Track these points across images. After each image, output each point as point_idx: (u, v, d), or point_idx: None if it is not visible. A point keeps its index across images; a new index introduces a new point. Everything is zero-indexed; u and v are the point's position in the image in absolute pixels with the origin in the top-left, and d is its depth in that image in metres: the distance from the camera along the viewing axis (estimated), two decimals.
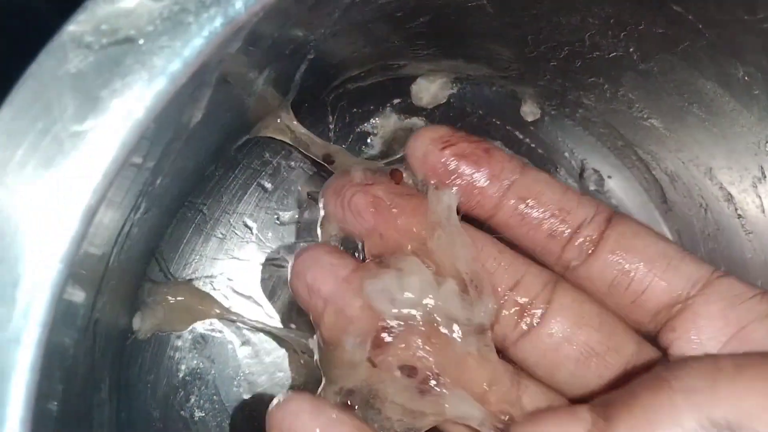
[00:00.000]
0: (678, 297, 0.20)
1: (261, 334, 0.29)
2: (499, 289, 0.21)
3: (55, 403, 0.17)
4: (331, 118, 0.30)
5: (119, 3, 0.15)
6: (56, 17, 0.26)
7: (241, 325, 0.29)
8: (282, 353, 0.30)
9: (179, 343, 0.28)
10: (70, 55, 0.15)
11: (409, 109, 0.32)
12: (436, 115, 0.32)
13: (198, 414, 0.28)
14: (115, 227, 0.18)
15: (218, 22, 0.16)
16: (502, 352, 0.21)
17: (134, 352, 0.27)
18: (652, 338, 0.21)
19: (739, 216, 0.30)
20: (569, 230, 0.21)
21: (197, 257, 0.29)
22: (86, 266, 0.16)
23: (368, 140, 0.31)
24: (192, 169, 0.25)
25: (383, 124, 0.31)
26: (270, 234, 0.30)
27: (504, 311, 0.21)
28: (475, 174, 0.21)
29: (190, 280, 0.28)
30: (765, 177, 0.27)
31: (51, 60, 0.15)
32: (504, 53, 0.29)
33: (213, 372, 0.29)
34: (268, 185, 0.30)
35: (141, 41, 0.15)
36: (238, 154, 0.28)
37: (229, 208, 0.29)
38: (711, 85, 0.26)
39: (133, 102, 0.15)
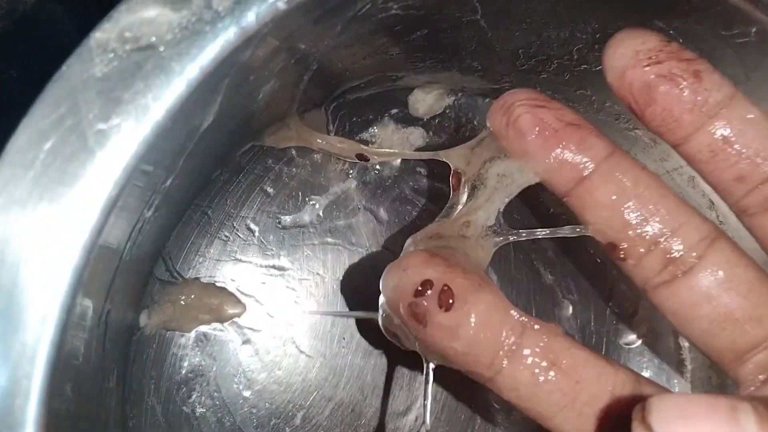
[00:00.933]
0: None
1: (261, 334, 0.30)
2: (653, 233, 0.20)
3: (71, 385, 0.18)
4: (331, 126, 0.32)
5: (142, 13, 0.16)
6: (74, 31, 0.27)
7: (241, 324, 0.30)
8: (281, 352, 0.31)
9: (182, 340, 0.29)
10: (96, 59, 0.16)
11: (406, 119, 0.33)
12: (432, 125, 0.33)
13: (199, 410, 0.29)
14: (129, 222, 0.19)
15: (232, 31, 0.17)
16: (643, 293, 0.21)
17: (139, 348, 0.28)
18: None
19: (721, 222, 0.31)
20: (760, 178, 0.19)
21: (201, 258, 0.30)
22: (104, 257, 0.17)
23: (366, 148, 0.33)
24: (199, 172, 0.27)
25: (381, 133, 0.33)
26: (272, 237, 0.31)
27: (652, 256, 0.20)
28: (676, 100, 0.19)
29: (196, 279, 0.29)
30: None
31: (78, 64, 0.16)
32: (497, 66, 0.30)
33: (214, 369, 0.30)
34: (270, 190, 0.31)
35: (161, 48, 0.16)
36: (242, 159, 0.30)
37: (233, 212, 0.30)
38: None
39: (153, 103, 0.16)
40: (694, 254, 0.20)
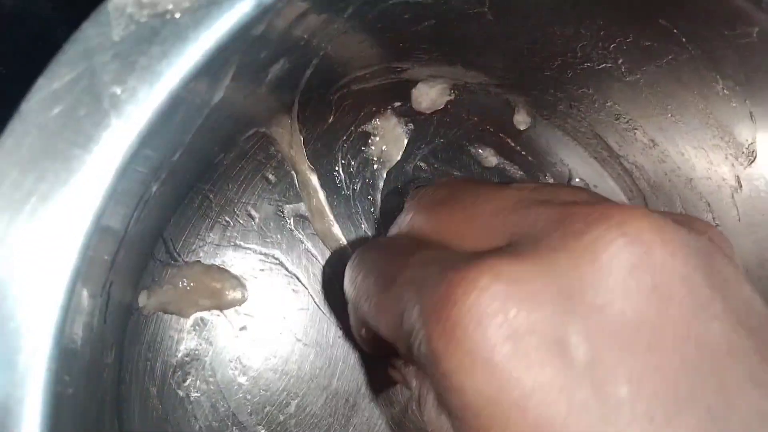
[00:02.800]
0: None
1: (258, 321, 0.30)
2: None
3: (72, 362, 0.18)
4: (332, 117, 0.32)
5: None
6: (63, 25, 0.27)
7: (238, 310, 0.30)
8: (277, 340, 0.31)
9: (180, 323, 0.29)
10: (113, 23, 0.16)
11: (409, 112, 0.33)
12: (434, 119, 0.34)
13: (194, 394, 0.29)
14: (138, 192, 0.19)
15: (248, 3, 0.17)
16: None
17: (137, 329, 0.28)
18: None
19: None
20: None
21: (201, 242, 0.30)
22: (112, 226, 0.18)
23: (368, 140, 0.33)
24: (204, 154, 0.27)
25: (384, 126, 0.33)
26: (272, 224, 0.31)
27: None
28: None
29: (197, 262, 0.29)
30: (741, 187, 0.29)
31: (95, 27, 0.16)
32: (500, 62, 0.30)
33: (210, 354, 0.29)
34: (272, 177, 0.31)
35: (178, 15, 0.16)
36: (245, 145, 0.30)
37: (234, 197, 0.30)
38: (693, 98, 0.28)
39: (168, 69, 0.16)
40: None
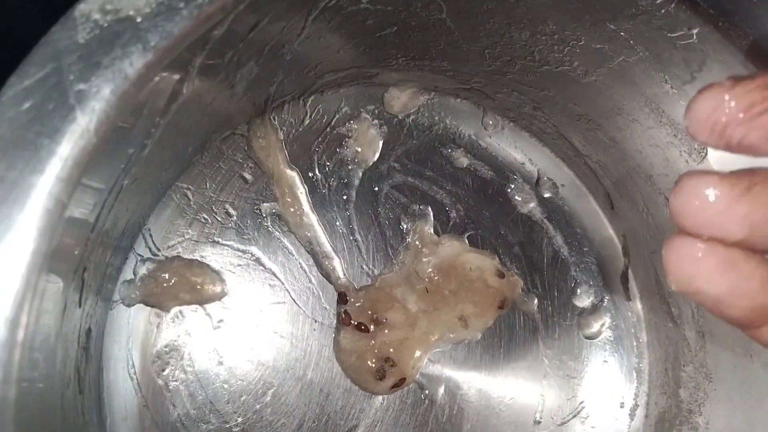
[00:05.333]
0: None
1: (236, 314, 0.32)
2: None
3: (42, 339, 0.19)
4: (308, 120, 0.33)
5: None
6: (40, 17, 0.28)
7: (219, 303, 0.32)
8: (254, 332, 0.32)
9: (160, 315, 0.31)
10: (79, 27, 0.18)
11: (382, 115, 0.35)
12: (406, 122, 0.35)
13: (172, 383, 0.30)
14: (106, 181, 0.20)
15: (205, 8, 0.19)
16: None
17: (118, 319, 0.29)
18: None
19: None
20: None
21: (180, 238, 0.31)
22: (81, 208, 0.19)
23: (343, 142, 0.34)
24: (179, 152, 0.28)
25: (358, 128, 0.35)
26: (249, 222, 0.33)
27: None
28: None
29: (177, 257, 0.31)
30: None
31: (63, 31, 0.18)
32: (465, 66, 0.32)
33: (189, 345, 0.31)
34: (249, 177, 0.32)
35: (138, 20, 0.18)
36: (222, 145, 0.31)
37: (212, 196, 0.32)
38: (646, 98, 0.29)
39: (129, 69, 0.18)
40: None
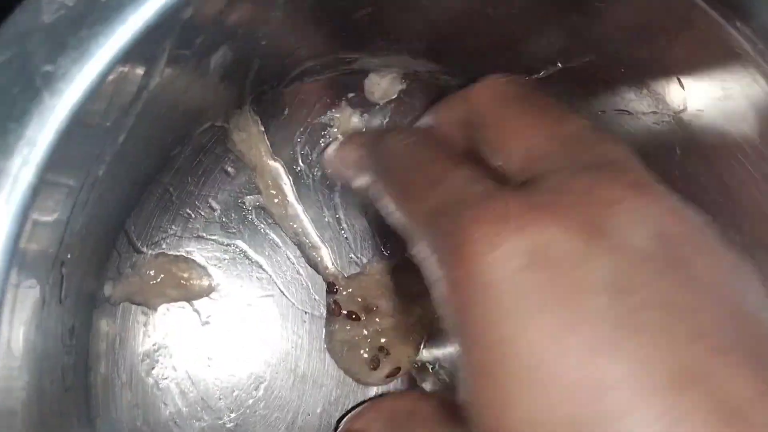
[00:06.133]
0: None
1: (224, 308, 0.31)
2: None
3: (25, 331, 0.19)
4: (288, 110, 0.33)
5: None
6: None
7: (206, 299, 0.31)
8: (243, 326, 0.32)
9: (147, 313, 0.30)
10: (44, 8, 0.17)
11: (363, 103, 0.34)
12: (388, 109, 0.35)
13: (162, 382, 0.30)
14: (78, 170, 0.20)
15: None
16: None
17: (103, 318, 0.29)
18: None
19: None
20: None
21: (164, 234, 0.31)
22: (53, 195, 0.19)
23: (325, 131, 0.34)
24: (157, 144, 0.28)
25: (339, 116, 0.34)
26: (233, 215, 0.32)
27: None
28: None
29: (159, 254, 0.30)
30: (679, 152, 0.30)
31: (28, 12, 0.17)
32: (444, 49, 0.32)
33: (178, 342, 0.30)
34: (231, 170, 0.32)
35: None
36: (202, 138, 0.31)
37: (194, 190, 0.31)
38: (626, 71, 0.29)
39: (97, 50, 0.18)
40: None
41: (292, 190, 0.33)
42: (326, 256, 0.33)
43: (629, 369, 0.15)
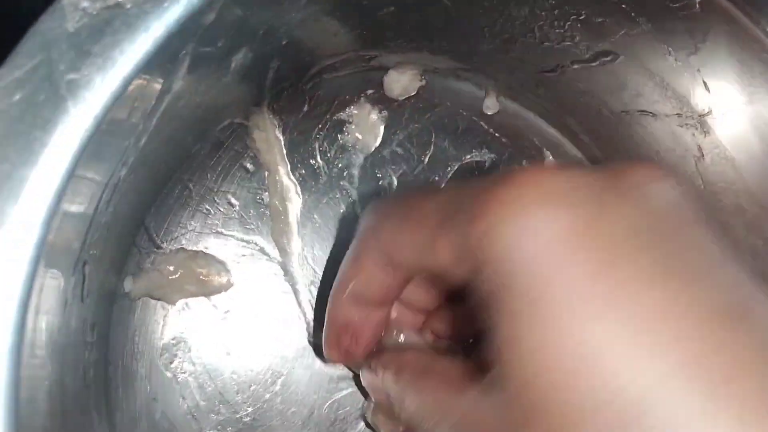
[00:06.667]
0: None
1: (242, 304, 0.32)
2: None
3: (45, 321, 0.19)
4: (307, 107, 0.33)
5: None
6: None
7: (225, 294, 0.32)
8: (261, 321, 0.32)
9: (166, 308, 0.30)
10: (68, 16, 0.17)
11: (382, 99, 0.34)
12: (407, 105, 0.35)
13: (181, 375, 0.30)
14: (105, 173, 0.20)
15: None
16: None
17: (123, 313, 0.29)
18: None
19: None
20: None
21: (183, 230, 0.31)
22: (78, 201, 0.19)
23: (344, 128, 0.34)
24: (177, 142, 0.28)
25: (358, 113, 0.34)
26: (252, 212, 0.32)
27: None
28: None
29: (181, 249, 0.31)
30: (703, 156, 0.30)
31: (51, 20, 0.17)
32: (464, 46, 0.32)
33: (196, 336, 0.31)
34: (250, 167, 0.32)
35: (128, 6, 0.18)
36: (221, 135, 0.31)
37: (214, 186, 0.31)
38: (650, 72, 0.29)
39: (120, 56, 0.18)
40: None
41: (296, 215, 0.33)
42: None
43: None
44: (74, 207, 0.19)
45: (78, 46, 0.17)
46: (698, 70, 0.27)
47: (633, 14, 0.26)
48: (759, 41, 0.25)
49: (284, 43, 0.26)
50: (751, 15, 0.25)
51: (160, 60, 0.19)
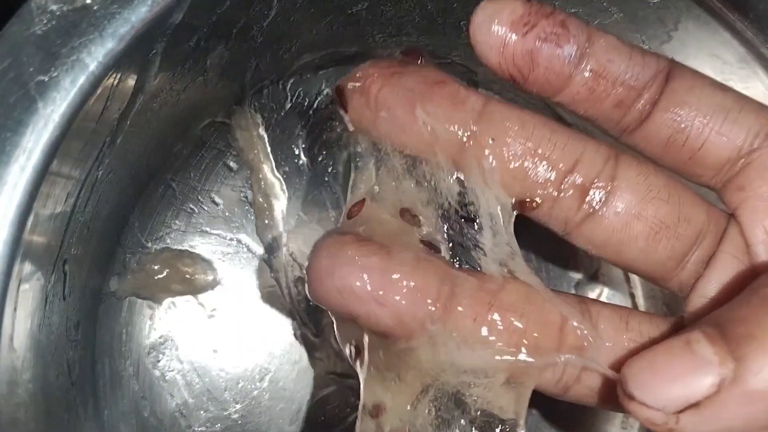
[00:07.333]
0: (740, 151, 0.19)
1: (229, 302, 0.32)
2: (559, 170, 0.19)
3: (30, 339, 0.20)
4: (289, 104, 0.33)
5: None
6: None
7: (211, 292, 0.32)
8: (248, 319, 0.32)
9: (153, 306, 0.31)
10: (36, 19, 0.18)
11: None
12: None
13: (169, 373, 0.31)
14: (77, 171, 0.21)
15: None
16: (566, 236, 0.20)
17: (109, 312, 0.30)
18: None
19: None
20: (633, 95, 0.19)
21: (168, 229, 0.31)
22: (53, 199, 0.19)
23: (327, 124, 0.34)
24: (158, 141, 0.28)
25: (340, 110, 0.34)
26: (236, 209, 0.33)
27: (564, 194, 0.19)
28: (557, 57, 0.18)
29: (166, 248, 0.31)
30: None
31: (20, 23, 0.18)
32: (442, 41, 0.32)
33: (183, 335, 0.31)
34: (234, 165, 0.32)
35: (95, 8, 0.18)
36: (203, 134, 0.31)
37: (197, 185, 0.32)
38: None
39: (88, 58, 0.18)
40: (606, 177, 0.19)
41: (282, 211, 0.33)
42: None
43: None
44: (49, 206, 0.19)
45: (46, 49, 0.18)
46: (671, 58, 0.27)
47: (605, 3, 0.27)
48: (730, 28, 0.25)
49: (260, 40, 0.27)
50: (721, 2, 0.25)
51: (130, 60, 0.19)
